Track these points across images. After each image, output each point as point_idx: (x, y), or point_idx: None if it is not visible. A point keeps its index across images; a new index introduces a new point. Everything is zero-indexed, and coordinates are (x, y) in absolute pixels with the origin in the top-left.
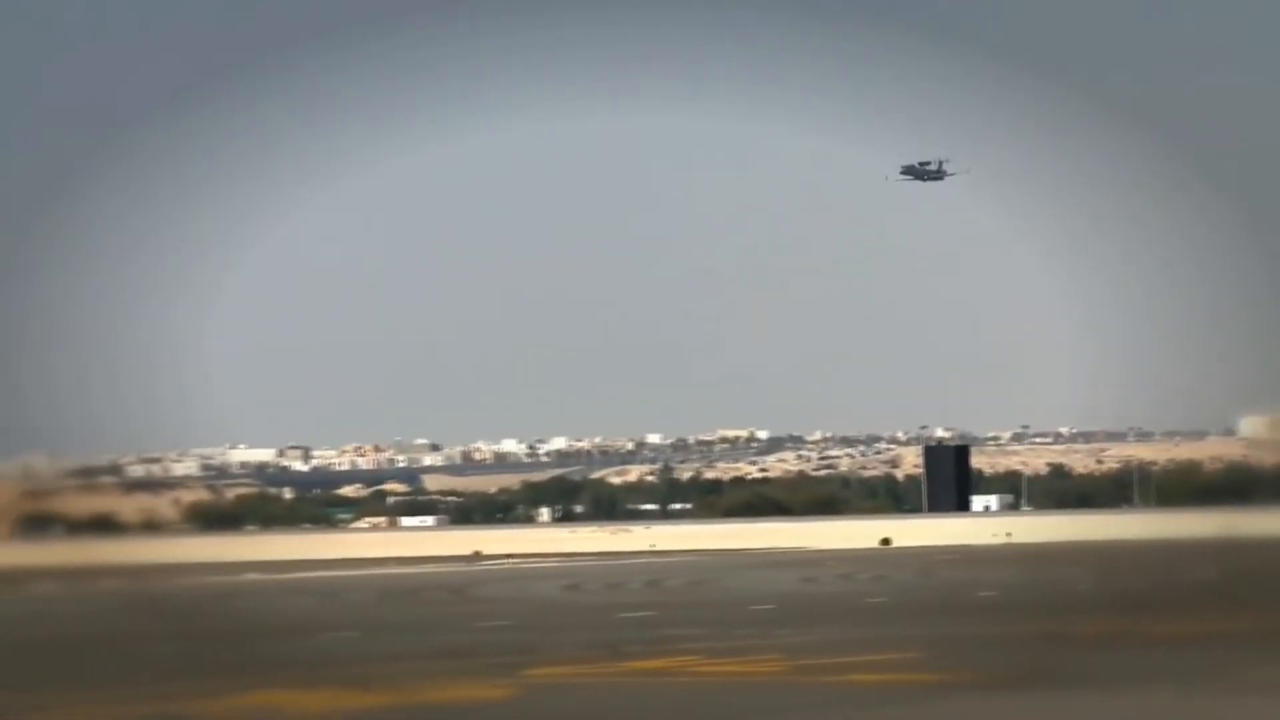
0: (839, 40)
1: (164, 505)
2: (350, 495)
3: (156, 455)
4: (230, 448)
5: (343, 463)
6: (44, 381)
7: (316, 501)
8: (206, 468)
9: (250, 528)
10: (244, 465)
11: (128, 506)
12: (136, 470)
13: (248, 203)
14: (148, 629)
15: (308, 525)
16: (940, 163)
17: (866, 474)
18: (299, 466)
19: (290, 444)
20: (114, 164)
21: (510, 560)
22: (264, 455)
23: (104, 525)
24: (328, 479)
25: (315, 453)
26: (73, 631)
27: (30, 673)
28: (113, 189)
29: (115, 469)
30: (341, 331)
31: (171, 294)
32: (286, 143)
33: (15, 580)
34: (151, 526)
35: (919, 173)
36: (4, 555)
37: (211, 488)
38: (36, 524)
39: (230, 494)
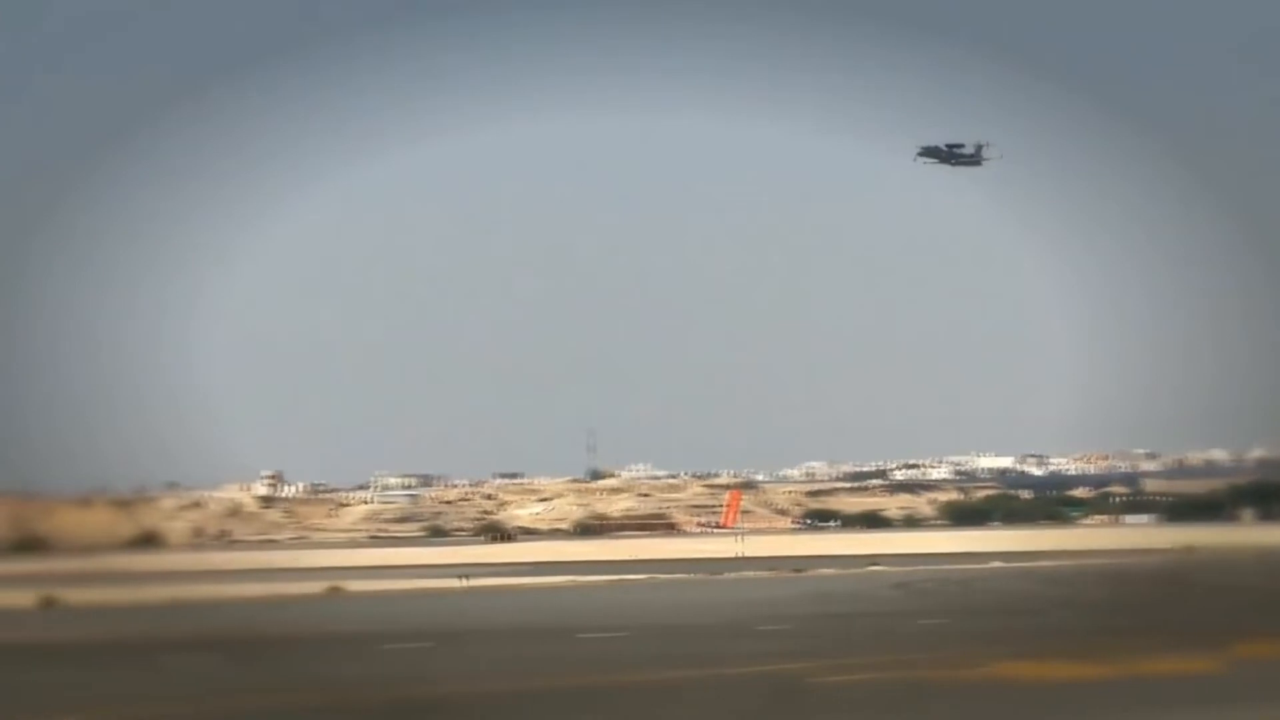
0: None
1: (922, 504)
2: (1080, 495)
3: (916, 462)
4: (977, 455)
5: (1073, 468)
6: (805, 402)
7: (1051, 501)
8: (958, 472)
9: (994, 523)
10: (988, 470)
11: (892, 505)
12: (899, 475)
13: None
14: (920, 606)
15: (1043, 521)
16: (979, 146)
17: None
18: (1035, 471)
19: (1028, 452)
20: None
21: (1213, 551)
22: (1005, 462)
23: (873, 520)
24: (1060, 481)
25: (1050, 460)
26: (847, 607)
27: (811, 641)
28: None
29: (882, 474)
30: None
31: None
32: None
33: (801, 565)
34: (912, 521)
35: (945, 155)
36: (789, 544)
37: (962, 489)
38: (817, 518)
39: (978, 494)
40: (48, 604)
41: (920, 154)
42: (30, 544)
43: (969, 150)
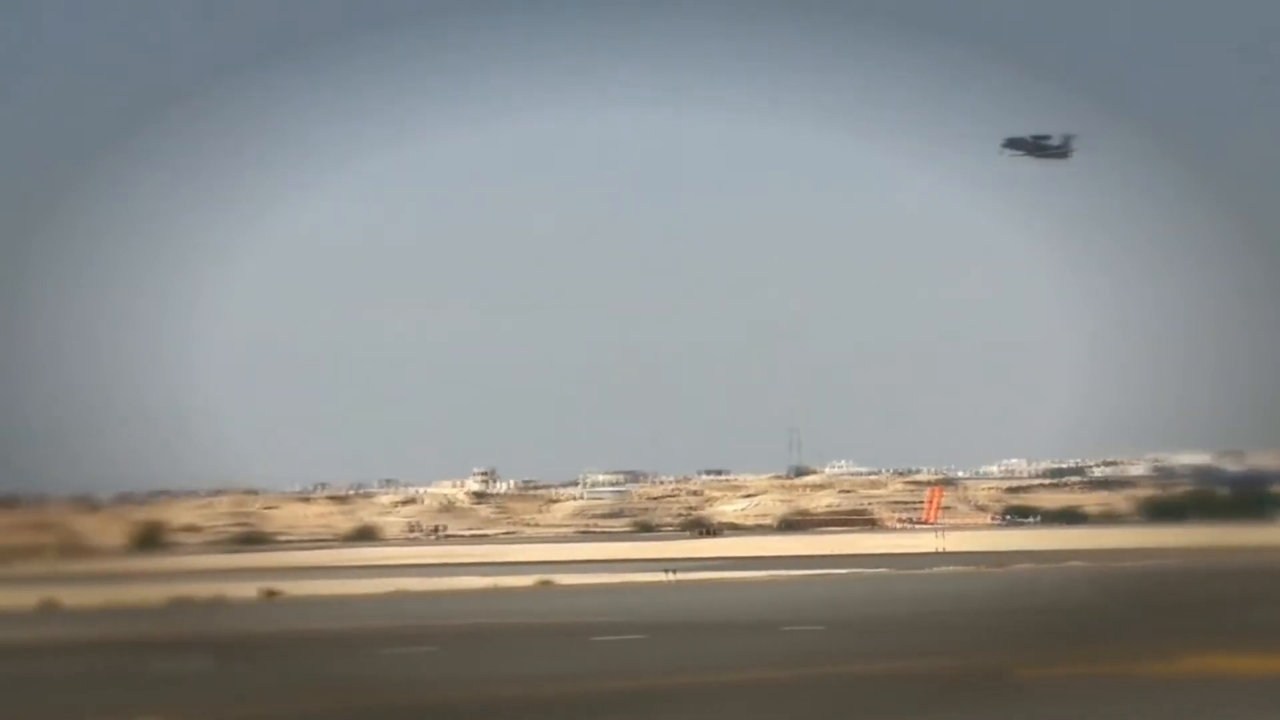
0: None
1: (1119, 500)
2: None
3: (1114, 459)
4: (1174, 452)
5: (1273, 464)
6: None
7: (1250, 497)
8: (1155, 469)
9: (1192, 519)
10: (1186, 467)
11: (1089, 501)
12: (1097, 472)
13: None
14: (1113, 600)
15: (1242, 517)
16: (1067, 139)
17: None
18: (1233, 467)
19: (1226, 449)
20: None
21: None
22: (1203, 458)
23: (1071, 516)
24: (1260, 478)
25: (1249, 456)
26: (1047, 602)
27: (1013, 634)
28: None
29: (1080, 470)
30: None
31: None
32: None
33: (1001, 560)
34: (1110, 517)
35: (1032, 147)
36: (988, 540)
37: (1159, 486)
38: (1016, 514)
39: (1174, 491)
40: (269, 595)
41: (1005, 145)
42: (253, 538)
43: (1056, 142)
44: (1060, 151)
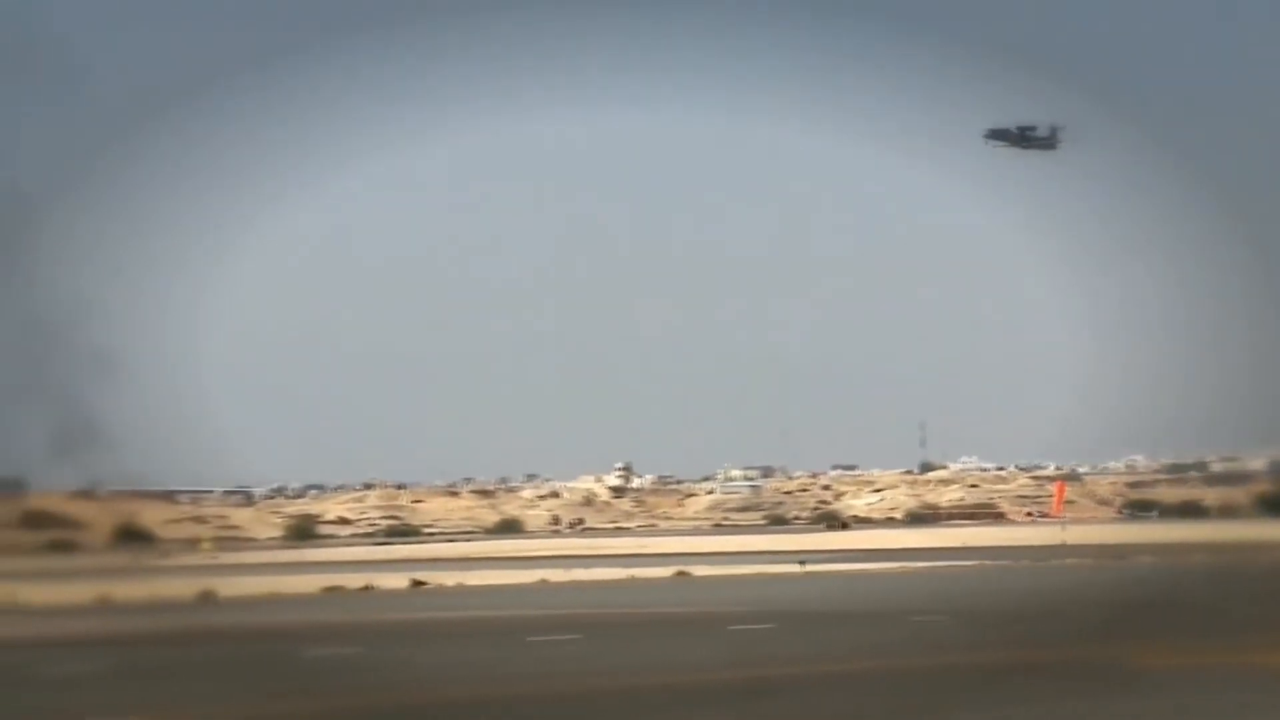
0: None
1: (1239, 495)
2: None
3: (1234, 455)
4: None
5: None
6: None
7: None
8: (1273, 464)
9: None
10: None
11: (1209, 496)
12: (1217, 467)
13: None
14: (1227, 593)
15: None
16: (1054, 129)
17: None
18: None
19: None
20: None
21: None
22: None
23: (1190, 511)
24: None
25: None
26: (1166, 594)
27: (1133, 625)
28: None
29: (1201, 465)
30: None
31: None
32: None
33: (1122, 553)
34: (1228, 511)
35: (1017, 138)
36: (1110, 533)
37: (1276, 480)
38: (1136, 508)
39: None
40: (416, 585)
41: (988, 136)
42: (402, 530)
43: (1043, 133)
44: (1047, 142)
